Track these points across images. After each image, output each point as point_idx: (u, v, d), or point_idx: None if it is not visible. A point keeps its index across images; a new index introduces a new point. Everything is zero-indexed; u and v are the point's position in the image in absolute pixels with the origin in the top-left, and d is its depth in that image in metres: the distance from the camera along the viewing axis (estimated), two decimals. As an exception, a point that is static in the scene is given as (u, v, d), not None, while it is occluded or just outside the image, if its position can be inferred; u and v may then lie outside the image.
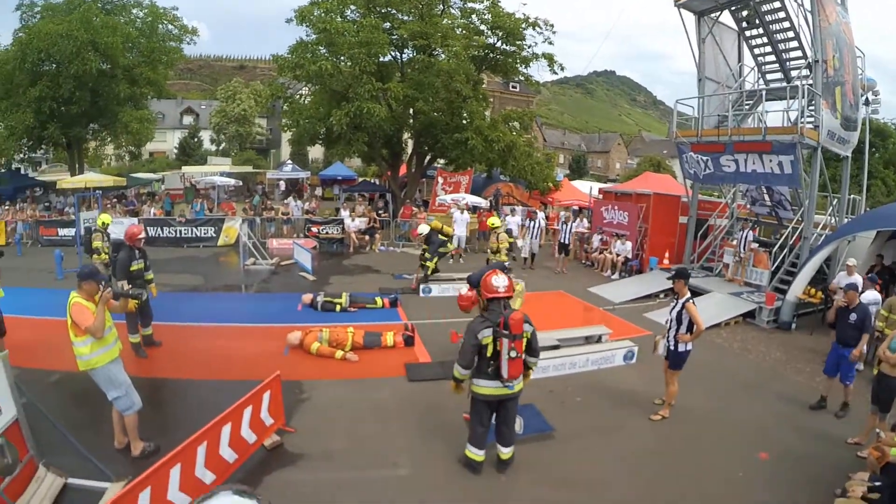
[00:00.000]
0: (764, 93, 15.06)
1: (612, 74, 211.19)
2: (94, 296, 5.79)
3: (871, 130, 19.03)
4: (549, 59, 24.68)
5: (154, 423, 6.70)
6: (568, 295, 14.92)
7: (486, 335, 5.73)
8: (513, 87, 62.05)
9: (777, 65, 16.15)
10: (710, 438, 7.22)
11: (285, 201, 28.04)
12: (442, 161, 27.13)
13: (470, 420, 6.18)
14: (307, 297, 12.55)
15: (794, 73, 15.59)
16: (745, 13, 15.66)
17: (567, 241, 18.27)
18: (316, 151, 53.04)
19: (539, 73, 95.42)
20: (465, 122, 23.83)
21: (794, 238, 14.86)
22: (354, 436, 6.74)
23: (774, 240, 16.26)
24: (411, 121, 24.99)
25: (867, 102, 16.76)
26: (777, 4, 14.78)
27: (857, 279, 10.64)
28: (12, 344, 8.31)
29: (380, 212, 24.56)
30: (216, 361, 9.02)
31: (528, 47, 24.76)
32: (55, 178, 33.60)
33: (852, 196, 16.64)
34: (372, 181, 37.41)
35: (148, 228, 17.94)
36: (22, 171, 34.93)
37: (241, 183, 40.13)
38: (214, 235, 20.97)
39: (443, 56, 23.26)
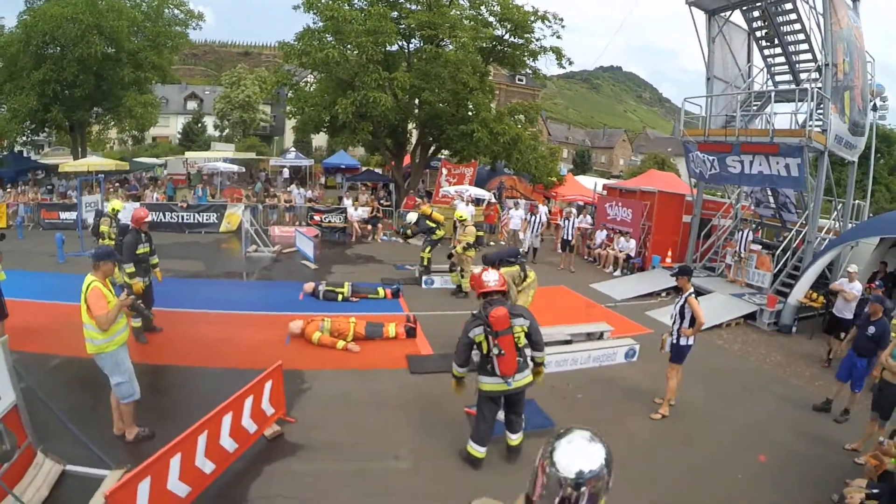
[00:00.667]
0: (773, 94, 15.00)
1: (618, 70, 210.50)
2: (109, 277, 5.90)
3: (877, 136, 18.95)
4: (558, 52, 24.56)
5: (154, 409, 6.70)
6: (569, 290, 14.90)
7: (477, 333, 5.75)
8: (519, 79, 61.90)
9: (787, 67, 16.05)
10: (709, 439, 7.22)
11: (288, 189, 27.99)
12: (446, 152, 27.05)
13: (475, 415, 6.17)
14: (309, 286, 12.52)
15: (803, 76, 15.50)
16: (756, 14, 15.55)
17: (570, 238, 18.19)
18: (319, 139, 52.89)
19: (547, 66, 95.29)
20: (470, 113, 23.76)
21: (797, 241, 14.82)
22: (355, 427, 6.73)
23: (777, 242, 16.21)
24: (416, 111, 24.91)
25: (875, 108, 16.68)
26: (789, 6, 14.67)
27: (858, 286, 10.62)
28: (12, 327, 8.31)
29: (382, 201, 24.52)
30: (217, 348, 9.00)
31: (537, 40, 24.63)
32: (58, 161, 33.51)
33: (857, 201, 16.59)
34: (375, 171, 37.33)
35: (150, 213, 17.89)
36: (24, 154, 34.80)
37: (243, 169, 40.04)
38: (216, 221, 20.92)
39: (450, 47, 23.16)
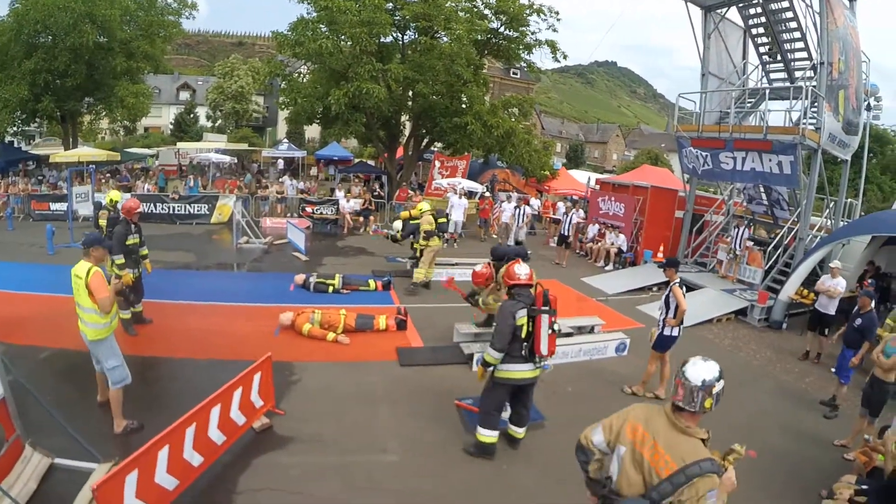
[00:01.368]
0: (767, 91, 15.01)
1: (613, 65, 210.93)
2: (101, 262, 6.01)
3: (870, 136, 19.01)
4: (553, 46, 24.49)
5: (143, 401, 6.66)
6: (562, 284, 14.89)
7: (522, 315, 5.72)
8: (513, 73, 61.81)
9: (781, 64, 16.06)
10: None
11: (280, 180, 27.88)
12: (439, 145, 26.99)
13: (484, 404, 6.12)
14: (299, 278, 12.49)
15: (798, 74, 15.51)
16: (752, 11, 15.55)
17: (567, 234, 18.19)
18: (312, 131, 52.66)
19: (541, 60, 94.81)
20: (464, 106, 23.69)
21: (788, 238, 14.88)
22: (344, 420, 6.71)
23: (769, 239, 16.26)
24: (410, 103, 24.77)
25: (869, 108, 16.73)
26: (785, 4, 14.66)
27: (841, 282, 10.68)
28: (1, 319, 8.25)
29: (375, 193, 24.45)
30: (206, 340, 8.95)
31: (532, 34, 24.54)
32: (48, 151, 33.28)
33: (849, 200, 16.66)
34: (368, 162, 37.22)
35: (141, 204, 17.81)
36: (15, 145, 34.51)
37: (235, 160, 39.88)
38: (208, 213, 20.80)
39: (445, 39, 23.03)
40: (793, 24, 14.92)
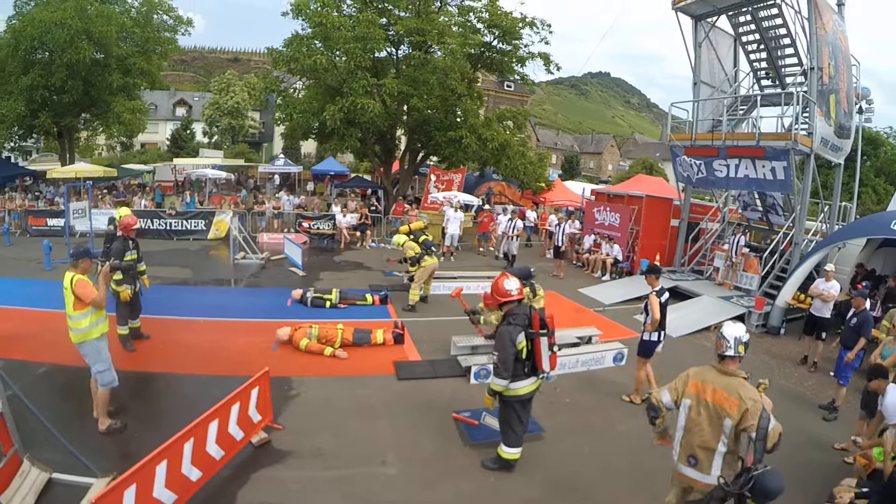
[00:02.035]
0: (759, 98, 15.13)
1: (606, 76, 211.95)
2: (86, 273, 6.21)
3: (863, 139, 19.14)
4: (546, 58, 24.71)
5: (141, 416, 6.70)
6: (558, 295, 14.90)
7: (521, 340, 5.74)
8: (507, 86, 62.08)
9: (772, 71, 16.19)
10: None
11: (277, 195, 27.93)
12: (435, 158, 27.11)
13: (504, 423, 6.11)
14: (297, 293, 12.49)
15: (789, 80, 15.63)
16: (742, 19, 15.71)
17: (561, 245, 18.23)
18: (309, 146, 52.83)
19: (535, 72, 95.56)
20: (459, 119, 23.87)
21: (784, 243, 14.93)
22: (342, 434, 6.70)
23: (765, 245, 16.32)
24: (405, 117, 24.95)
25: (861, 111, 16.85)
26: (774, 11, 14.81)
27: (835, 285, 10.73)
28: (-1, 335, 8.26)
29: (371, 208, 24.49)
30: (204, 356, 8.93)
31: (525, 46, 24.77)
32: (45, 167, 33.26)
33: (843, 203, 16.73)
34: (364, 177, 37.29)
35: (138, 220, 17.82)
36: (12, 161, 34.55)
37: (232, 176, 39.95)
38: (205, 228, 20.82)
39: (439, 53, 23.23)
40: (782, 31, 15.07)
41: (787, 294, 13.07)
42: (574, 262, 19.90)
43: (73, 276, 6.05)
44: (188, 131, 58.66)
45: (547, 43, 24.83)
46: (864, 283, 11.66)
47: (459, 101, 23.22)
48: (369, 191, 30.78)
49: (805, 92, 13.47)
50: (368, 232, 21.64)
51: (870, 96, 17.07)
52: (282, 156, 43.34)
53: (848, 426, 7.75)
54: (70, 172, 26.67)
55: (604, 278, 17.63)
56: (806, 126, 13.60)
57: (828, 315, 10.63)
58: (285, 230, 21.80)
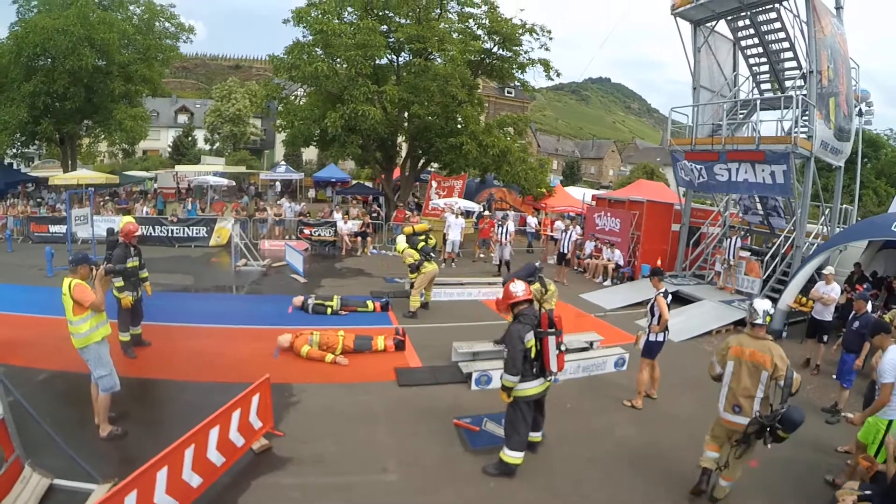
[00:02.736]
0: (758, 102, 15.15)
1: (607, 81, 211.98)
2: (86, 279, 6.26)
3: (863, 141, 19.15)
4: (546, 64, 24.74)
5: (142, 423, 6.71)
6: (561, 302, 14.87)
7: (529, 338, 5.89)
8: (508, 92, 62.22)
9: (772, 74, 16.23)
10: (699, 446, 7.19)
11: (278, 202, 27.97)
12: (436, 165, 27.14)
13: (510, 425, 6.16)
14: (298, 300, 12.49)
15: (788, 84, 15.68)
16: (741, 23, 15.75)
17: (566, 252, 18.20)
18: (310, 153, 52.89)
19: (535, 78, 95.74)
20: (459, 126, 23.87)
21: (785, 247, 14.92)
22: (343, 440, 6.70)
23: (766, 248, 16.31)
24: (406, 124, 24.99)
25: (860, 113, 16.88)
26: (773, 15, 14.87)
27: (836, 287, 10.72)
28: (0, 341, 8.26)
29: (373, 215, 24.51)
30: (205, 362, 8.94)
31: (525, 53, 24.80)
32: (47, 174, 33.45)
33: (844, 206, 16.73)
34: (366, 184, 37.37)
35: (140, 227, 17.86)
36: (14, 167, 34.69)
37: (233, 183, 40.06)
38: (206, 235, 20.85)
39: (439, 60, 23.29)
40: (781, 35, 15.12)
41: (788, 297, 13.06)
42: (575, 267, 19.87)
43: (71, 282, 6.10)
44: (190, 138, 58.83)
45: (547, 49, 24.88)
46: (864, 286, 11.64)
47: (460, 107, 23.23)
48: (371, 197, 30.86)
49: (804, 95, 13.51)
50: (369, 238, 21.64)
51: (869, 98, 17.12)
52: (283, 163, 43.45)
53: (851, 429, 7.72)
54: (72, 179, 26.83)
55: (605, 283, 17.61)
56: (806, 129, 13.65)
57: (829, 318, 10.62)
58: (287, 237, 21.83)
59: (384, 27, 23.46)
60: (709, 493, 5.94)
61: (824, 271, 11.15)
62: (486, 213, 24.87)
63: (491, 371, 8.56)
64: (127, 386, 6.99)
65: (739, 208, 18.27)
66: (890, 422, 5.86)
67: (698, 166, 15.57)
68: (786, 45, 15.28)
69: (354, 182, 39.42)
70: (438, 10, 24.52)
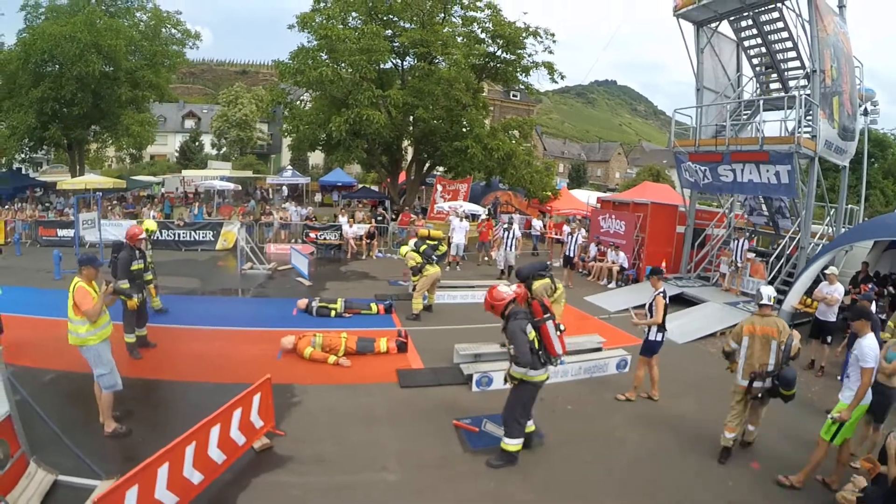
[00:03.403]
0: (761, 102, 15.13)
1: (612, 84, 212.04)
2: (93, 280, 6.43)
3: (870, 141, 19.09)
4: (550, 67, 24.72)
5: (146, 422, 6.79)
6: (565, 304, 14.91)
7: (529, 329, 6.14)
8: (513, 95, 62.24)
9: (775, 74, 16.21)
10: (701, 447, 7.21)
11: (284, 206, 28.09)
12: (441, 169, 27.19)
13: (510, 413, 6.33)
14: (302, 302, 12.56)
15: (791, 83, 15.65)
16: (744, 23, 15.75)
17: (572, 255, 18.18)
18: (316, 157, 53.18)
19: (539, 81, 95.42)
20: (464, 130, 23.90)
21: (790, 248, 14.87)
22: (344, 440, 6.75)
23: (771, 249, 16.26)
24: (411, 128, 25.04)
25: (866, 112, 16.82)
26: (776, 15, 14.86)
27: (839, 288, 10.69)
28: (8, 342, 8.34)
29: (378, 218, 24.57)
30: (210, 364, 9.02)
31: (529, 56, 24.81)
32: (56, 178, 33.73)
33: (850, 206, 16.66)
34: (371, 188, 37.47)
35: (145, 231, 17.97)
36: (23, 172, 35.02)
37: (240, 188, 40.29)
38: (213, 239, 21.00)
39: (443, 64, 23.37)
40: (784, 35, 15.11)
41: (793, 299, 13.01)
42: (580, 270, 19.85)
43: (75, 283, 6.29)
44: (197, 143, 59.23)
45: (551, 52, 24.84)
46: (869, 286, 11.59)
47: (465, 111, 23.29)
48: (378, 202, 30.95)
49: (808, 95, 13.49)
50: (375, 242, 21.70)
51: (874, 97, 17.06)
52: (290, 167, 43.67)
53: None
54: (80, 184, 27.05)
55: (609, 286, 17.60)
56: (809, 129, 13.62)
57: (833, 319, 10.60)
58: (292, 241, 21.92)
59: (388, 32, 23.58)
60: (741, 441, 7.15)
61: (827, 272, 11.12)
62: (484, 216, 24.83)
63: (492, 373, 8.60)
64: (132, 386, 7.09)
65: (745, 209, 18.20)
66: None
67: (702, 167, 15.56)
68: (789, 44, 15.25)
69: (360, 186, 39.56)
70: (442, 15, 24.60)
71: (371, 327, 11.38)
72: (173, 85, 39.47)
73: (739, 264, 15.49)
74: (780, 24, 14.96)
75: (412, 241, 13.73)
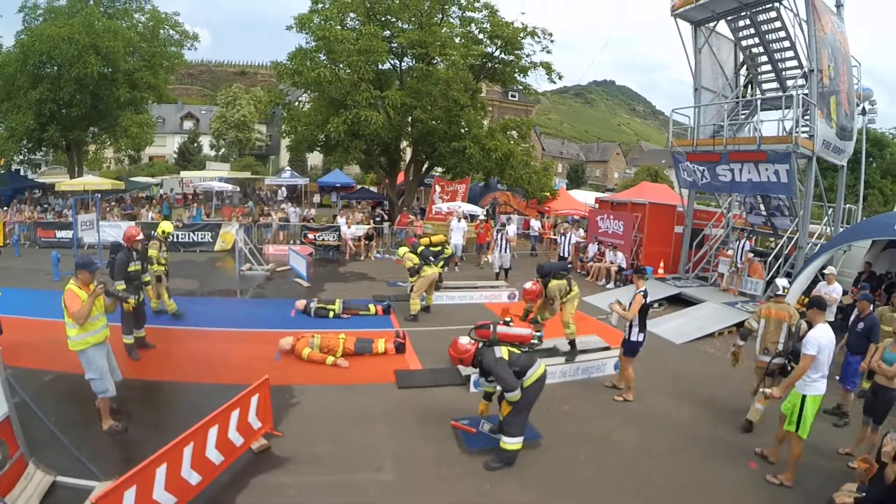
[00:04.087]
0: (759, 102, 15.15)
1: (611, 84, 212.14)
2: (89, 284, 6.40)
3: (868, 140, 19.12)
4: (547, 67, 24.69)
5: (145, 423, 6.82)
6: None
7: (499, 352, 6.48)
8: (512, 95, 62.21)
9: (773, 74, 16.25)
10: (698, 448, 7.22)
11: (282, 206, 28.09)
12: (439, 169, 27.20)
13: (515, 414, 6.36)
14: (300, 303, 12.57)
15: (789, 83, 15.68)
16: (741, 23, 15.78)
17: (566, 256, 18.16)
18: (315, 158, 53.17)
19: (537, 81, 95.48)
20: (462, 130, 23.87)
21: (789, 248, 14.89)
22: (341, 440, 6.76)
23: (769, 249, 16.28)
24: (409, 129, 25.02)
25: (863, 112, 16.84)
26: (773, 14, 14.90)
27: (837, 288, 10.71)
28: (7, 343, 8.34)
29: (376, 219, 24.57)
30: (208, 365, 9.03)
31: (527, 56, 24.80)
32: (54, 180, 33.70)
33: (848, 206, 16.68)
34: (370, 189, 37.45)
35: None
36: (21, 173, 35.01)
37: (238, 189, 40.31)
38: (211, 240, 21.01)
39: (441, 65, 23.37)
40: (782, 34, 15.14)
41: (791, 299, 12.98)
42: (578, 270, 19.84)
43: (66, 286, 6.38)
44: (195, 144, 59.21)
45: (549, 52, 24.77)
46: (860, 284, 11.56)
47: (463, 111, 23.27)
48: (377, 203, 30.97)
49: (805, 94, 13.52)
50: (373, 243, 21.70)
51: (872, 97, 17.08)
52: (288, 168, 43.66)
53: (852, 431, 7.71)
54: (78, 185, 27.07)
55: (608, 286, 17.60)
56: (807, 129, 13.65)
57: (831, 318, 10.59)
58: (291, 242, 21.93)
59: (386, 32, 23.58)
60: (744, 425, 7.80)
61: (826, 271, 11.14)
62: (481, 217, 24.79)
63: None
64: (130, 387, 7.12)
65: (745, 207, 18.17)
66: (804, 397, 6.27)
67: (701, 167, 15.59)
68: (786, 44, 15.29)
69: (359, 187, 39.57)
70: (440, 15, 24.60)
71: (369, 328, 11.39)
72: (171, 86, 39.52)
73: (740, 265, 15.50)
74: (778, 24, 15.01)
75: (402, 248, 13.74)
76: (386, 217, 25.17)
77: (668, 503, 6.02)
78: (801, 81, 14.80)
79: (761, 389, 7.28)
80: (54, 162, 43.88)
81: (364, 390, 8.40)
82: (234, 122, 57.18)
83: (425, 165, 26.86)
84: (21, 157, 30.21)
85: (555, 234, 24.05)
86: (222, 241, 20.93)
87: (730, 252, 16.21)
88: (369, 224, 22.73)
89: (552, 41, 24.38)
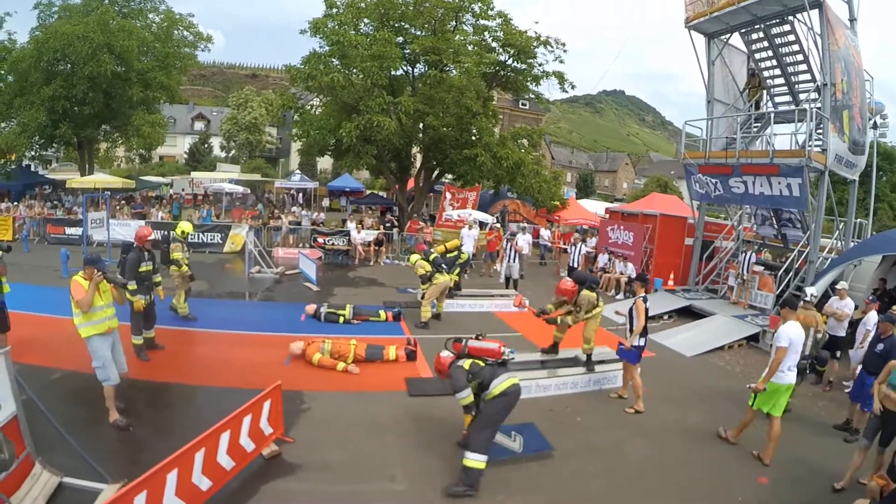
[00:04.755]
0: (772, 115, 15.09)
1: (621, 94, 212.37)
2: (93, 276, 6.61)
3: (878, 154, 19.01)
4: (560, 77, 24.70)
5: (153, 425, 6.79)
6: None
7: (463, 362, 6.54)
8: (522, 104, 62.28)
9: (786, 87, 16.19)
10: (709, 461, 7.16)
11: (292, 209, 28.11)
12: (450, 176, 27.18)
13: (480, 426, 6.23)
14: (310, 308, 12.53)
15: (802, 97, 15.62)
16: (755, 36, 15.73)
17: (576, 266, 18.07)
18: (325, 162, 53.21)
19: (549, 90, 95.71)
20: (474, 138, 23.88)
21: (799, 261, 14.79)
22: (352, 448, 6.71)
23: (780, 263, 16.19)
24: (420, 135, 25.01)
25: (875, 126, 16.75)
26: (787, 28, 14.85)
27: (849, 303, 10.60)
28: (15, 340, 8.35)
29: (386, 224, 24.57)
30: (217, 367, 9.01)
31: (539, 65, 24.80)
32: (65, 176, 33.92)
33: (859, 220, 16.58)
34: (380, 194, 37.47)
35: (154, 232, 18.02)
36: (32, 169, 35.23)
37: (248, 191, 40.41)
38: (220, 242, 21.04)
39: (454, 72, 23.38)
40: (795, 48, 15.10)
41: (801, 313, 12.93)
42: (587, 280, 19.67)
43: (73, 276, 6.64)
44: (206, 145, 59.52)
45: (561, 62, 24.78)
46: (870, 298, 11.35)
47: (474, 119, 23.28)
48: (386, 208, 30.97)
49: (818, 108, 13.45)
50: (383, 249, 21.67)
51: (884, 111, 16.99)
52: (298, 171, 43.75)
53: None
54: (89, 183, 27.26)
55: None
56: (820, 143, 13.58)
57: (842, 333, 10.50)
58: (300, 245, 21.93)
59: (400, 38, 23.59)
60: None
61: (838, 286, 11.04)
62: (496, 224, 24.68)
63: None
64: (139, 388, 7.10)
65: (756, 220, 18.04)
66: (779, 387, 7.12)
67: (713, 179, 15.52)
68: (800, 57, 15.24)
69: (369, 192, 39.61)
70: (454, 23, 24.60)
71: (380, 335, 11.34)
72: (183, 87, 39.68)
73: (745, 277, 15.42)
74: (791, 38, 14.96)
75: (413, 255, 13.69)
76: (395, 223, 25.14)
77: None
78: (814, 95, 14.72)
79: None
80: (65, 159, 44.10)
81: (375, 398, 8.35)
82: (245, 124, 57.41)
83: (436, 172, 26.85)
84: (32, 153, 30.29)
85: (565, 244, 23.89)
86: (232, 243, 20.96)
87: (738, 264, 16.11)
88: (379, 229, 22.69)
89: (565, 51, 24.40)
